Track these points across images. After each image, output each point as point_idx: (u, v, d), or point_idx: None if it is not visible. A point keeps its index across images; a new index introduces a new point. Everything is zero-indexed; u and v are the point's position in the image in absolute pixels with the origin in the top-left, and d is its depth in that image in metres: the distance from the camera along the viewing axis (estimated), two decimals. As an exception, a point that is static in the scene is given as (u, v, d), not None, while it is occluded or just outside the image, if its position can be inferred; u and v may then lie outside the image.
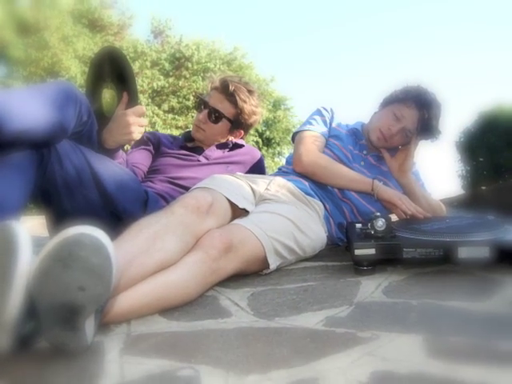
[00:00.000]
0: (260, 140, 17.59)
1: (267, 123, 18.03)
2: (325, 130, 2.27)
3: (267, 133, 18.15)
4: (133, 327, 1.12)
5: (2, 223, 0.93)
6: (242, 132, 2.47)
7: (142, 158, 2.29)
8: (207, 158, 2.32)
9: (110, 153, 1.86)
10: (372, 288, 1.37)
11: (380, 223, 1.54)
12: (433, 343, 0.93)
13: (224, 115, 2.33)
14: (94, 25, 16.65)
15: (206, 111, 2.33)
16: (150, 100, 15.38)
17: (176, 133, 12.64)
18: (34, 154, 1.51)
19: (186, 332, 1.08)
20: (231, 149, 2.41)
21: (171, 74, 16.53)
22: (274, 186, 1.93)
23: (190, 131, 2.49)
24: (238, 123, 2.39)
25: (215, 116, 2.32)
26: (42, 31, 14.37)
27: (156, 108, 15.31)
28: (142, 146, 2.33)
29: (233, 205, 1.66)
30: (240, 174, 2.05)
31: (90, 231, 0.90)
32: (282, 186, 1.96)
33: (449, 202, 3.08)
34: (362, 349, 0.91)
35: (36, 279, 0.88)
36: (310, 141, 2.16)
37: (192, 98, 15.24)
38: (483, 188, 4.15)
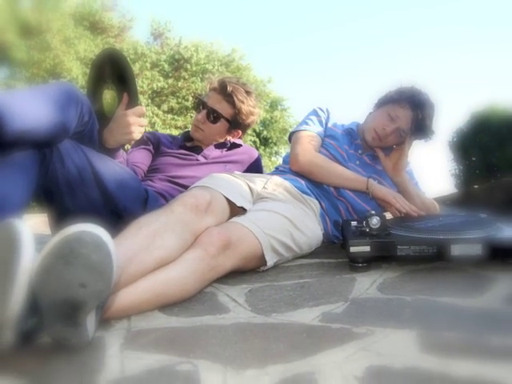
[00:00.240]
0: (257, 140, 17.56)
1: (264, 123, 18.00)
2: (321, 129, 2.28)
3: (264, 133, 18.12)
4: (133, 323, 1.13)
5: (5, 221, 0.93)
6: (240, 132, 2.49)
7: (142, 158, 2.31)
8: (206, 158, 2.34)
9: (111, 152, 1.87)
10: (367, 284, 1.38)
11: (375, 221, 1.55)
12: (427, 338, 0.94)
13: (222, 115, 2.34)
14: (95, 27, 16.65)
15: (204, 111, 2.35)
16: (149, 101, 15.37)
17: (175, 133, 12.61)
18: (36, 154, 1.52)
19: (185, 327, 1.09)
20: (229, 148, 2.43)
21: (170, 75, 16.53)
22: (271, 184, 1.95)
23: (188, 131, 2.51)
24: (236, 123, 2.40)
25: (213, 116, 2.34)
26: (44, 33, 14.38)
27: (156, 108, 15.30)
28: (142, 146, 2.34)
29: (231, 203, 1.67)
30: (238, 172, 2.06)
31: (91, 229, 0.91)
32: (279, 184, 1.97)
33: (442, 201, 3.09)
34: (357, 344, 0.92)
35: (38, 276, 0.88)
36: (306, 140, 2.18)
37: (191, 98, 15.21)
38: (476, 187, 4.15)
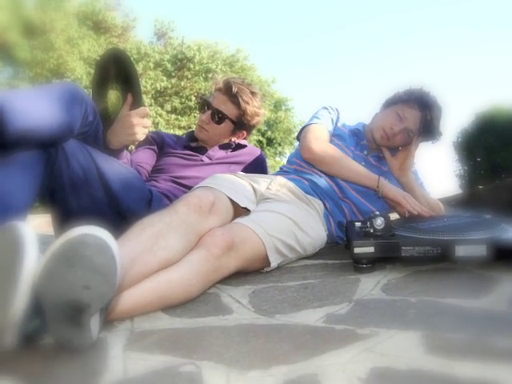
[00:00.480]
0: (263, 139, 17.57)
1: (268, 123, 18.03)
2: (331, 126, 2.28)
3: (269, 133, 18.15)
4: (136, 324, 1.13)
5: (9, 223, 0.94)
6: (245, 133, 2.48)
7: (147, 158, 2.31)
8: (210, 158, 2.33)
9: (115, 153, 1.87)
10: (371, 285, 1.38)
11: (379, 222, 1.55)
12: (431, 340, 0.94)
13: (227, 116, 2.34)
14: (98, 27, 16.66)
15: (209, 112, 2.34)
16: (153, 101, 15.38)
17: (179, 133, 12.61)
18: (41, 153, 1.52)
19: (188, 328, 1.09)
20: (234, 149, 2.42)
21: (174, 74, 16.54)
22: (275, 185, 1.94)
23: (193, 131, 2.50)
24: (241, 124, 2.40)
25: (218, 117, 2.33)
26: (48, 33, 14.40)
27: (159, 108, 15.31)
28: (147, 146, 2.34)
29: (234, 204, 1.67)
30: (241, 173, 2.06)
31: (95, 231, 0.91)
32: (283, 185, 1.97)
33: (447, 201, 3.08)
34: (362, 345, 0.92)
35: (42, 278, 0.89)
36: (318, 131, 2.17)
37: (194, 98, 15.22)
38: (480, 187, 4.13)
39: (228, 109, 2.34)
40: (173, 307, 1.24)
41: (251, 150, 2.50)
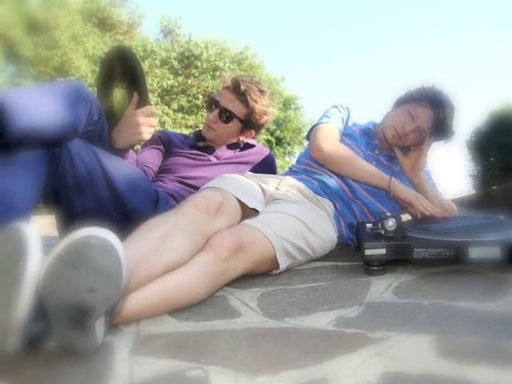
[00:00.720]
0: (272, 139, 17.59)
1: (278, 122, 18.04)
2: (341, 126, 2.26)
3: (278, 132, 18.17)
4: (142, 327, 1.12)
5: (12, 225, 0.93)
6: (254, 132, 2.47)
7: (153, 158, 2.30)
8: (218, 158, 2.32)
9: (120, 153, 1.86)
10: (382, 288, 1.37)
11: (390, 223, 1.53)
12: (444, 344, 0.93)
13: (235, 115, 2.32)
14: (103, 23, 16.69)
15: (217, 111, 2.32)
16: (159, 99, 15.40)
17: (186, 132, 12.65)
18: (45, 153, 1.51)
19: (195, 332, 1.08)
20: (242, 149, 2.41)
21: (180, 72, 16.55)
22: (284, 185, 1.92)
23: (200, 130, 2.49)
24: (249, 123, 2.38)
25: (226, 116, 2.31)
26: (52, 30, 14.45)
27: (166, 107, 15.33)
28: (153, 145, 2.33)
29: (243, 204, 1.65)
30: (250, 173, 2.05)
31: (100, 233, 0.91)
32: (292, 185, 1.95)
33: (460, 202, 3.05)
34: (373, 349, 0.91)
35: (46, 281, 0.88)
36: (328, 130, 2.15)
37: (201, 97, 15.24)
38: (494, 188, 4.10)
39: (236, 107, 2.32)
40: (180, 310, 1.23)
41: (260, 150, 2.49)
